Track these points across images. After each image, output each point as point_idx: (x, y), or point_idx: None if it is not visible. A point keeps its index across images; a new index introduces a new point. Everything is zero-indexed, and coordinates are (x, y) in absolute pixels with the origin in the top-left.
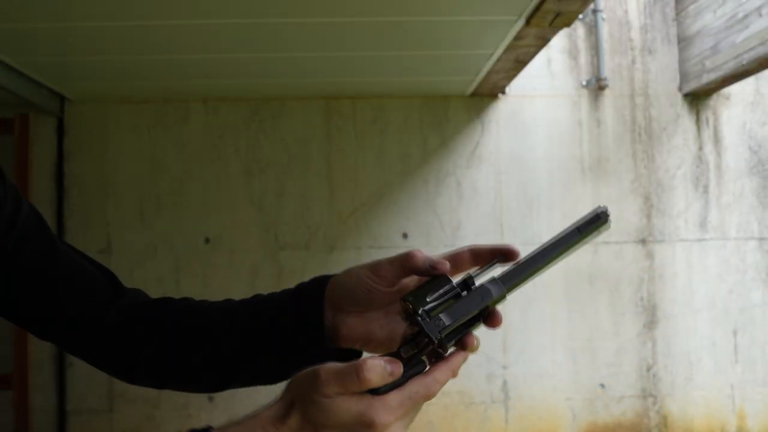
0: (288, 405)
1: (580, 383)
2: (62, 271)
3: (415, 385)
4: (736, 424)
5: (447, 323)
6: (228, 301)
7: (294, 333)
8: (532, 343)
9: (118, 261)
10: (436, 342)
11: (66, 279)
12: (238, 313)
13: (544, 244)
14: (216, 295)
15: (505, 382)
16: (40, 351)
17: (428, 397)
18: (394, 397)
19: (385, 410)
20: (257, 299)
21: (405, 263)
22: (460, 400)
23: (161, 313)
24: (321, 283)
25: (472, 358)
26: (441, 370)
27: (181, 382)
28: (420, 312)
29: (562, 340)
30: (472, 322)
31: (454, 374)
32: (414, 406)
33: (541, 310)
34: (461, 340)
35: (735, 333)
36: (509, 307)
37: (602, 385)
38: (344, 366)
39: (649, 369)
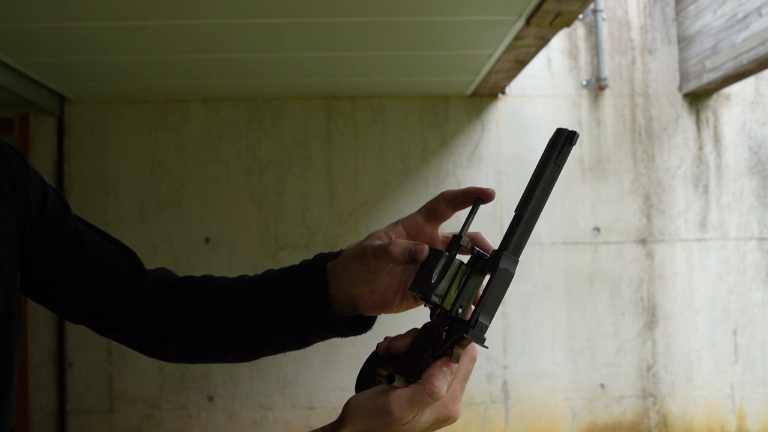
0: None
1: (580, 383)
2: (89, 256)
3: (464, 365)
4: (735, 424)
5: (488, 324)
6: (243, 276)
7: (305, 310)
8: (532, 343)
9: None
10: (485, 346)
11: (93, 263)
12: (254, 285)
13: (532, 191)
14: None
15: (505, 382)
16: (40, 351)
17: (474, 359)
18: (456, 387)
19: (453, 403)
20: (269, 273)
21: (387, 258)
22: None
23: (185, 290)
24: (321, 271)
25: None
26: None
27: (212, 355)
28: (455, 316)
29: (562, 340)
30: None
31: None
32: (469, 374)
33: (541, 310)
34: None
35: (735, 333)
36: (509, 307)
37: (602, 385)
38: (413, 390)
39: (649, 369)
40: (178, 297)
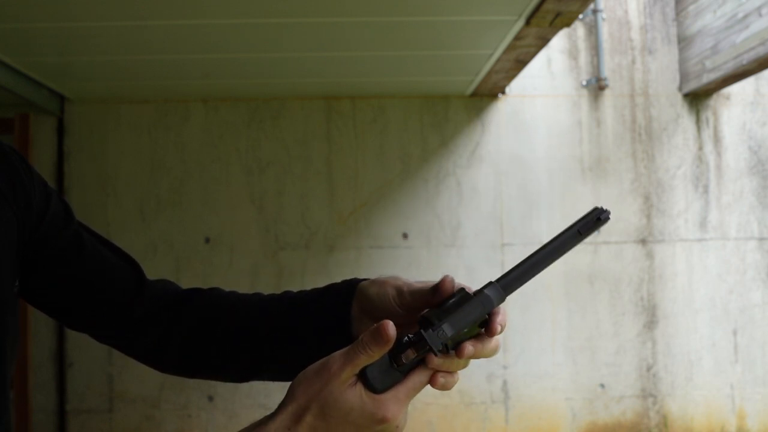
0: (299, 410)
1: (579, 383)
2: (89, 263)
3: (417, 376)
4: (735, 424)
5: (449, 334)
6: (257, 295)
7: (322, 329)
8: (532, 344)
9: None
10: (438, 353)
11: (92, 269)
12: (268, 307)
13: (545, 246)
14: None
15: (505, 382)
16: (40, 351)
17: (426, 384)
18: (401, 390)
19: (395, 404)
20: (288, 296)
21: (432, 287)
22: (460, 400)
23: (190, 303)
24: (351, 285)
25: None
26: (438, 360)
27: (210, 371)
28: (426, 319)
29: (562, 340)
30: (473, 330)
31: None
32: (416, 393)
33: (541, 310)
34: (458, 346)
35: (735, 333)
36: (509, 307)
37: (602, 385)
38: (349, 347)
39: (649, 369)
40: (183, 308)
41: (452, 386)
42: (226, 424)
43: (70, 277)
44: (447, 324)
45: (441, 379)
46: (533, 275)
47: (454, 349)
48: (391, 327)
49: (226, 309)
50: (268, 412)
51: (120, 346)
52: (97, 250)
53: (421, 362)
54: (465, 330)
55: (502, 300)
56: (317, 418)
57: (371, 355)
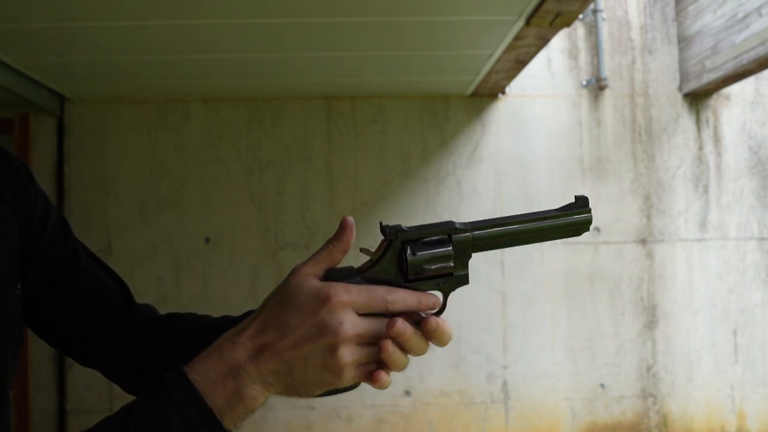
0: (260, 309)
1: (579, 383)
2: (81, 282)
3: (377, 287)
4: (735, 424)
5: (405, 229)
6: (226, 317)
7: None
8: (532, 343)
9: (118, 261)
10: (388, 237)
11: (86, 287)
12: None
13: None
14: (216, 294)
15: (505, 382)
16: (40, 352)
17: (386, 304)
18: (354, 285)
19: (342, 289)
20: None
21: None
22: (460, 400)
23: (168, 329)
24: None
25: (472, 357)
26: (405, 290)
27: None
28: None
29: (562, 340)
30: (437, 260)
31: (421, 306)
32: (371, 302)
33: (540, 310)
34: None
35: (735, 333)
36: (509, 306)
37: (602, 385)
38: (317, 251)
39: (649, 369)
40: (171, 321)
41: (408, 339)
42: None
43: (64, 291)
44: (408, 226)
45: (399, 323)
46: (501, 228)
47: (414, 277)
48: (349, 218)
49: (213, 322)
50: (268, 412)
51: (103, 367)
52: (91, 267)
53: (385, 282)
54: (426, 251)
55: (466, 233)
56: (271, 310)
57: (332, 250)
